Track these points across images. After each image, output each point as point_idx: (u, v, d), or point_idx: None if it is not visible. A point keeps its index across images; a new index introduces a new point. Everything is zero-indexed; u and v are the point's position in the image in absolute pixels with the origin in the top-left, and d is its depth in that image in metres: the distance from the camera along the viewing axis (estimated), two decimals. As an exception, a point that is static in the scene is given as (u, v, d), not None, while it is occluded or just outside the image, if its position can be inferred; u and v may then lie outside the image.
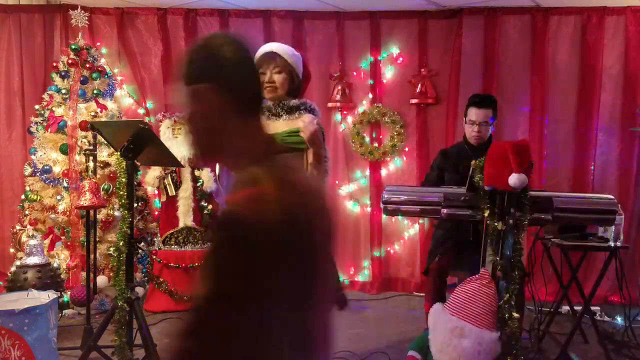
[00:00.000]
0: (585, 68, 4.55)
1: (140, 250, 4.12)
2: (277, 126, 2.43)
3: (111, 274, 3.85)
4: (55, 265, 4.09)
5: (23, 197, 4.26)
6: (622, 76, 4.51)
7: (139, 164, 2.97)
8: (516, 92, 4.66)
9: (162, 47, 4.76)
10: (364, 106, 4.84)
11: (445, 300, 2.37)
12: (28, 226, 4.17)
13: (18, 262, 3.93)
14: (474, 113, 3.30)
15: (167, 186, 4.43)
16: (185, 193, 4.41)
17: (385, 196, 2.62)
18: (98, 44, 4.73)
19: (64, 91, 4.23)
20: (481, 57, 4.64)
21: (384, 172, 4.89)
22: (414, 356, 2.46)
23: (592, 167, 4.57)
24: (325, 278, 1.13)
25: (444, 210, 2.51)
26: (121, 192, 2.66)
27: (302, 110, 2.46)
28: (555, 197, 2.45)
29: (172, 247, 4.36)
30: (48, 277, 3.75)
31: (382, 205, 2.65)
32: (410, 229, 4.86)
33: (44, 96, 4.33)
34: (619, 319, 4.03)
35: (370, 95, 4.82)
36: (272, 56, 2.45)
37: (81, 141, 4.14)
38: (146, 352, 2.65)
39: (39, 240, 3.95)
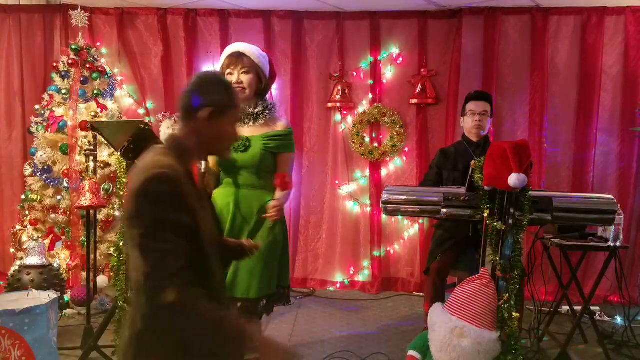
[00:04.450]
0: (585, 68, 4.55)
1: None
2: (251, 131, 2.51)
3: (111, 274, 3.85)
4: (55, 265, 4.09)
5: (23, 197, 4.26)
6: (622, 76, 4.52)
7: (139, 164, 2.97)
8: (516, 92, 4.66)
9: (162, 47, 4.77)
10: (364, 106, 4.84)
11: (445, 300, 2.37)
12: (28, 226, 4.17)
13: (18, 263, 3.94)
14: (472, 104, 3.39)
15: (167, 186, 4.43)
16: (185, 193, 4.41)
17: (385, 196, 2.62)
18: (98, 44, 4.73)
19: (64, 91, 4.23)
20: (481, 57, 4.64)
21: (384, 172, 4.89)
22: (414, 356, 2.45)
23: (592, 167, 4.57)
24: None
25: (444, 210, 2.51)
26: (121, 193, 2.66)
27: (267, 113, 2.52)
28: (555, 197, 2.45)
29: (172, 247, 4.36)
30: (48, 278, 3.75)
31: (382, 205, 2.65)
32: (410, 229, 4.86)
33: (44, 96, 4.33)
34: (619, 319, 4.03)
35: (370, 95, 4.82)
36: (239, 57, 2.48)
37: (81, 141, 4.14)
38: (146, 352, 2.65)
39: (40, 241, 3.95)
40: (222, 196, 2.50)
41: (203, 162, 2.37)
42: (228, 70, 2.51)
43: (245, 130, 2.50)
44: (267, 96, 2.65)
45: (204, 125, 1.54)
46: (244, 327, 1.43)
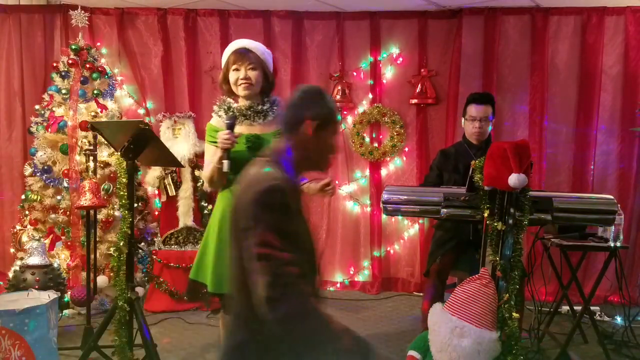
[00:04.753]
0: (585, 68, 4.55)
1: (140, 250, 4.14)
2: (262, 129, 2.47)
3: (111, 274, 3.85)
4: (55, 265, 4.09)
5: (23, 197, 4.26)
6: (622, 76, 4.52)
7: (139, 164, 2.97)
8: (516, 92, 4.66)
9: (162, 47, 4.76)
10: (364, 106, 4.84)
11: (445, 300, 2.37)
12: (28, 226, 4.17)
13: (19, 263, 3.93)
14: (474, 109, 3.30)
15: (167, 186, 4.44)
16: (186, 193, 4.42)
17: (385, 196, 2.62)
18: (98, 44, 4.73)
19: (64, 91, 4.23)
20: (481, 57, 4.64)
21: (384, 172, 4.89)
22: (414, 356, 2.45)
23: (592, 167, 4.57)
24: None
25: (444, 210, 2.51)
26: (121, 192, 2.66)
27: (275, 109, 2.50)
28: (555, 197, 2.45)
29: (172, 247, 4.37)
30: (50, 278, 3.74)
31: (382, 205, 2.65)
32: (410, 229, 4.86)
33: (44, 96, 4.33)
34: (619, 319, 4.03)
35: (370, 95, 4.82)
36: (245, 53, 2.45)
37: (81, 141, 4.14)
38: (146, 352, 2.65)
39: (42, 240, 3.95)
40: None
41: (225, 162, 2.34)
42: (234, 67, 2.46)
43: (256, 128, 2.46)
44: None
45: (307, 138, 1.57)
46: (365, 341, 1.45)
